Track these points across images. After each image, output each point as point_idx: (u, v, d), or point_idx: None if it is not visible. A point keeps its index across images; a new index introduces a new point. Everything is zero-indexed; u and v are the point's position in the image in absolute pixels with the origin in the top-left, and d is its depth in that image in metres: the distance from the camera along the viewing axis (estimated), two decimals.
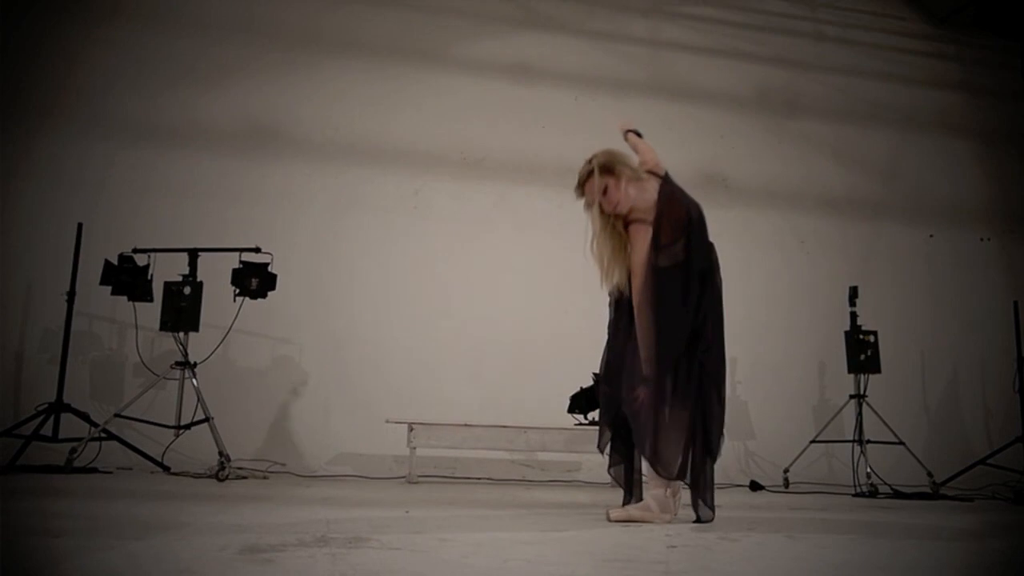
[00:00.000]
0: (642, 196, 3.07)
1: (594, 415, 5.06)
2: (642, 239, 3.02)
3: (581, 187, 3.09)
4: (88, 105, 5.38)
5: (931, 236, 6.77)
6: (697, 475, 2.96)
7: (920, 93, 7.03)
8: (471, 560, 1.96)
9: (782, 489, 5.23)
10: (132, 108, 5.44)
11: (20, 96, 5.25)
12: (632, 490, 3.11)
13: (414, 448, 4.72)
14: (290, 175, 5.62)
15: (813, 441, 5.44)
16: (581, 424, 5.04)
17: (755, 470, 5.67)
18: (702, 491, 2.96)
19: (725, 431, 3.07)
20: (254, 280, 4.62)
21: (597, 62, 6.34)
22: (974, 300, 6.60)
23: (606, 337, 3.22)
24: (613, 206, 3.04)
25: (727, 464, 5.42)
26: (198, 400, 4.43)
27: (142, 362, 4.90)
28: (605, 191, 3.02)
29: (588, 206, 3.08)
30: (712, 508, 2.96)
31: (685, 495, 3.02)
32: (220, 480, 4.18)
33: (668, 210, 3.04)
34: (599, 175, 3.01)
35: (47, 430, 4.37)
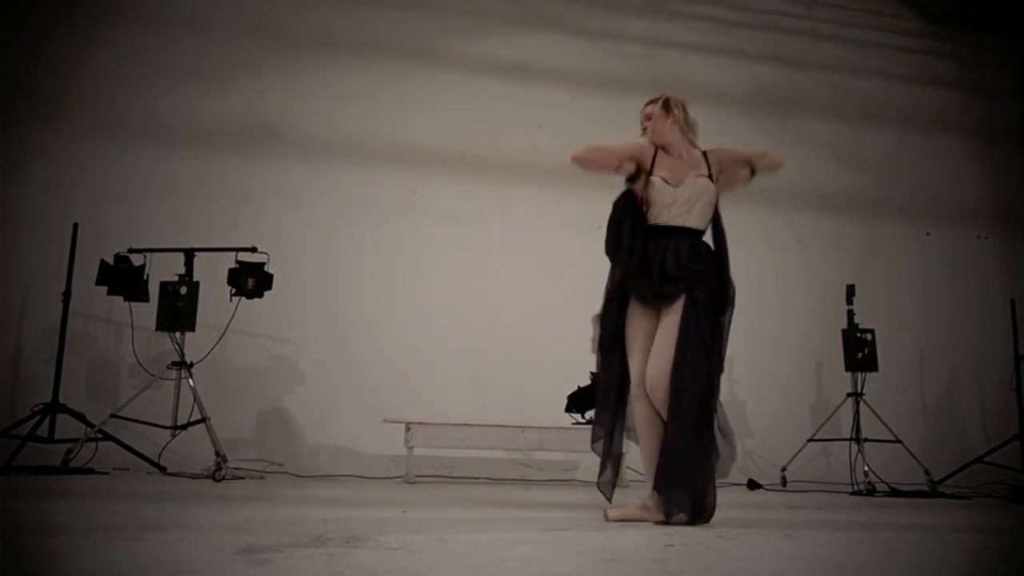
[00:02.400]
0: (678, 147, 3.16)
1: (591, 414, 5.06)
2: (639, 143, 3.18)
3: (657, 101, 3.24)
4: (89, 106, 5.36)
5: (928, 234, 6.77)
6: (663, 473, 2.90)
7: (917, 91, 7.03)
8: (469, 560, 1.96)
9: (780, 488, 5.23)
10: (133, 109, 5.43)
11: (21, 97, 5.23)
12: (617, 467, 3.16)
13: (412, 448, 4.71)
14: (288, 175, 5.61)
15: (811, 439, 5.45)
16: (579, 424, 5.03)
17: (753, 469, 5.67)
18: (665, 488, 2.88)
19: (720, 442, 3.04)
20: (250, 280, 4.61)
21: (595, 61, 6.33)
22: (971, 298, 6.61)
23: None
24: (651, 132, 3.19)
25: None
26: (195, 400, 4.43)
27: (138, 362, 4.88)
28: (653, 117, 3.19)
29: (641, 135, 3.24)
30: (681, 508, 2.84)
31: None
32: (217, 480, 4.17)
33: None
34: (659, 106, 3.19)
35: (43, 431, 4.35)
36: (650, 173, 3.12)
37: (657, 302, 3.05)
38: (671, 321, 3.00)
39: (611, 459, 3.15)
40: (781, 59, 6.78)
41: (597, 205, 6.51)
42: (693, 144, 3.20)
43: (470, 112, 6.00)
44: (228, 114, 5.59)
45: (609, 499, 3.12)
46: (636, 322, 3.10)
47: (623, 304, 3.12)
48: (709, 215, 3.17)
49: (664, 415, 2.94)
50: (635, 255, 3.06)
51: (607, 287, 3.18)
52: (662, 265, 3.03)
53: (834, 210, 6.56)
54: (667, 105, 3.19)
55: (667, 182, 3.10)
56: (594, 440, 3.19)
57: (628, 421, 3.16)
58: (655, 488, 2.91)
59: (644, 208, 3.13)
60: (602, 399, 3.24)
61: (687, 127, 3.20)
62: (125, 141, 5.36)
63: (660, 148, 3.17)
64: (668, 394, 2.91)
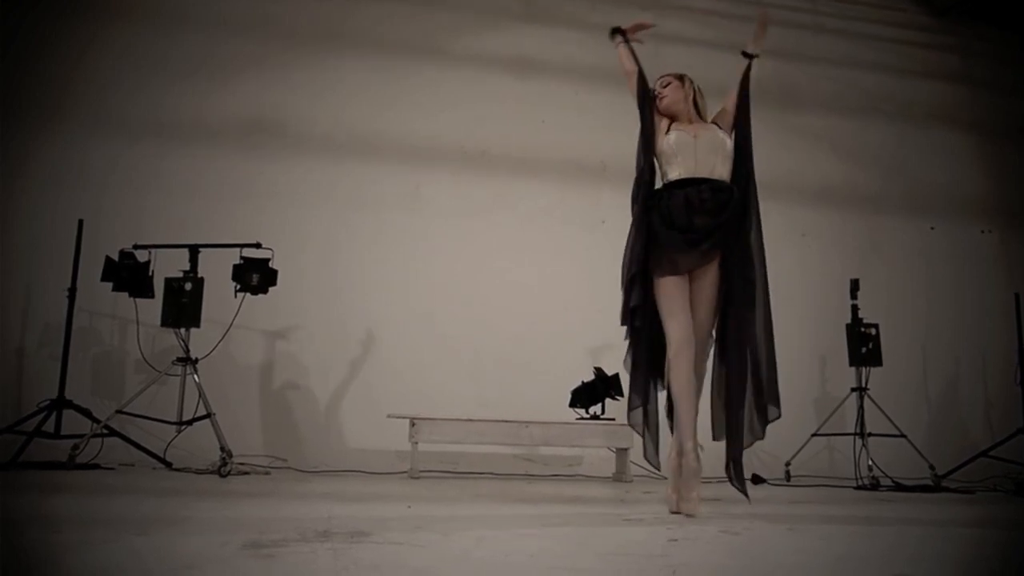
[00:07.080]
0: (688, 116, 3.34)
1: (596, 409, 5.07)
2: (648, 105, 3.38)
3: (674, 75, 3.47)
4: (92, 103, 5.37)
5: (932, 228, 6.76)
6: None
7: (920, 85, 7.02)
8: (473, 554, 1.97)
9: (784, 482, 5.23)
10: (135, 106, 5.43)
11: (23, 93, 5.23)
12: (656, 438, 3.22)
13: (416, 443, 4.72)
14: (291, 171, 5.62)
15: (815, 434, 5.45)
16: (583, 419, 5.04)
17: (756, 463, 5.66)
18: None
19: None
20: (255, 276, 4.61)
21: (597, 56, 6.30)
22: (975, 292, 6.60)
23: (624, 320, 3.25)
24: (664, 99, 3.38)
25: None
26: (200, 396, 4.44)
27: (143, 358, 4.90)
28: (669, 85, 3.41)
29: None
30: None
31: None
32: (222, 476, 4.18)
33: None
34: (680, 78, 3.48)
35: (49, 426, 4.37)
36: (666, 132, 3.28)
37: (689, 264, 3.10)
38: (708, 284, 3.10)
39: (649, 429, 3.21)
40: (785, 53, 6.74)
41: (600, 201, 6.52)
42: (702, 117, 3.38)
43: (473, 108, 6.00)
44: (232, 110, 5.60)
45: (658, 468, 3.22)
46: (667, 288, 3.10)
47: (647, 272, 3.13)
48: (730, 167, 3.23)
49: (700, 379, 3.11)
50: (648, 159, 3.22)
51: (629, 248, 3.20)
52: (688, 215, 3.08)
53: (837, 204, 6.55)
54: (683, 79, 3.46)
55: (686, 133, 3.23)
56: (631, 409, 3.23)
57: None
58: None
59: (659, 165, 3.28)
60: (633, 370, 3.23)
61: (699, 104, 3.40)
62: (129, 137, 5.37)
63: (670, 118, 3.34)
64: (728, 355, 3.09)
